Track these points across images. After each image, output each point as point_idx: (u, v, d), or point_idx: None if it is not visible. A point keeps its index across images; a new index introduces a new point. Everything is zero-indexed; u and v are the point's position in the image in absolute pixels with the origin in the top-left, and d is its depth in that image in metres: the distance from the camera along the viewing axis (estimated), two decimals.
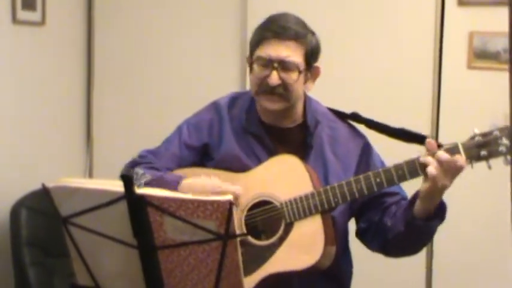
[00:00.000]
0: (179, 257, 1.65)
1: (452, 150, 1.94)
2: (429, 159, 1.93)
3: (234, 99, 2.28)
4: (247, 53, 2.22)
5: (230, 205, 1.56)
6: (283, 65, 2.09)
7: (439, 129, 3.17)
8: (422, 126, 3.12)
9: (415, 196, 2.02)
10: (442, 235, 3.16)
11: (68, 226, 1.69)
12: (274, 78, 2.08)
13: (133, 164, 2.26)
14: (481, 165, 3.16)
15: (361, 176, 2.03)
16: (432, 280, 3.21)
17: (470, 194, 3.13)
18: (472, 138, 1.94)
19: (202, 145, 2.25)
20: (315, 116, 2.21)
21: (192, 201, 1.59)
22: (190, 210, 1.59)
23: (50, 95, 3.57)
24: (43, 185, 1.67)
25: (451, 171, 1.92)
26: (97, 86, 3.78)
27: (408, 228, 2.03)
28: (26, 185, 3.16)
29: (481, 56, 3.08)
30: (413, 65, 3.21)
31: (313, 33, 2.17)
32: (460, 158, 1.91)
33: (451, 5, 3.13)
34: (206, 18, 3.57)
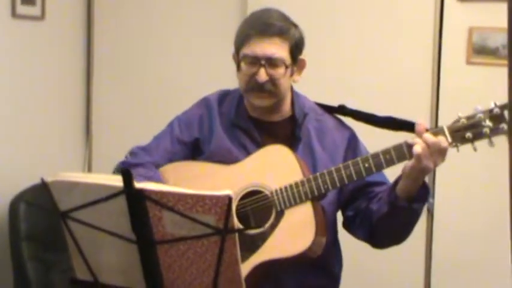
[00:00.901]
0: (178, 252, 1.65)
1: (438, 133, 1.96)
2: (417, 140, 1.96)
3: (223, 96, 2.33)
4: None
5: (229, 200, 1.57)
6: (270, 62, 2.12)
7: (437, 124, 3.16)
8: (421, 121, 3.12)
9: (399, 178, 2.04)
10: (440, 232, 3.19)
11: (67, 220, 1.69)
12: (262, 75, 2.12)
13: (125, 165, 2.27)
14: (480, 164, 3.17)
15: (349, 162, 2.05)
16: (431, 277, 3.22)
17: (469, 192, 3.13)
18: (457, 121, 1.97)
19: (193, 140, 2.29)
20: (303, 110, 2.24)
21: (191, 196, 1.59)
22: (189, 204, 1.59)
23: (49, 89, 3.57)
24: (42, 179, 1.67)
25: (436, 153, 1.94)
26: (96, 81, 3.78)
27: (391, 209, 2.04)
28: (25, 179, 3.16)
29: (480, 51, 3.08)
30: (412, 61, 3.21)
31: (296, 26, 2.20)
32: (444, 140, 1.94)
33: (451, 0, 3.13)
34: (205, 16, 3.57)
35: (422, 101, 3.18)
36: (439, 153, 1.94)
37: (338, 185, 2.06)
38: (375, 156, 2.03)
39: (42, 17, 3.46)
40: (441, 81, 3.17)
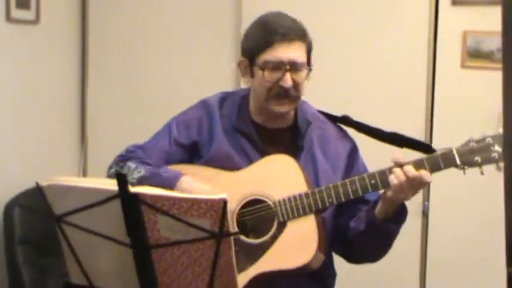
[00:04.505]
0: (173, 256, 1.65)
1: (446, 155, 1.97)
2: (397, 171, 1.95)
3: (223, 99, 2.27)
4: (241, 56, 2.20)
5: (224, 203, 1.56)
6: (295, 66, 2.08)
7: (433, 128, 3.17)
8: (416, 125, 3.13)
9: (378, 198, 2.05)
10: (435, 235, 3.19)
11: (62, 225, 1.68)
12: (288, 80, 2.07)
13: (123, 159, 2.24)
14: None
15: (356, 177, 2.04)
16: (426, 279, 3.22)
17: (464, 195, 3.13)
18: (467, 144, 1.97)
19: (192, 143, 2.23)
20: (306, 118, 2.21)
21: (185, 200, 1.59)
22: (184, 208, 1.59)
23: (44, 94, 3.57)
24: (37, 183, 1.67)
25: (415, 186, 1.95)
26: (91, 85, 3.78)
27: (368, 227, 2.05)
28: (19, 184, 3.15)
29: (474, 55, 3.09)
30: (407, 64, 3.22)
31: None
32: (426, 175, 1.94)
33: (445, 4, 3.14)
34: (201, 17, 3.57)
35: (417, 104, 3.19)
36: (418, 186, 1.96)
37: (343, 199, 2.05)
38: (379, 173, 2.02)
39: (36, 21, 3.45)
40: (436, 84, 3.18)
